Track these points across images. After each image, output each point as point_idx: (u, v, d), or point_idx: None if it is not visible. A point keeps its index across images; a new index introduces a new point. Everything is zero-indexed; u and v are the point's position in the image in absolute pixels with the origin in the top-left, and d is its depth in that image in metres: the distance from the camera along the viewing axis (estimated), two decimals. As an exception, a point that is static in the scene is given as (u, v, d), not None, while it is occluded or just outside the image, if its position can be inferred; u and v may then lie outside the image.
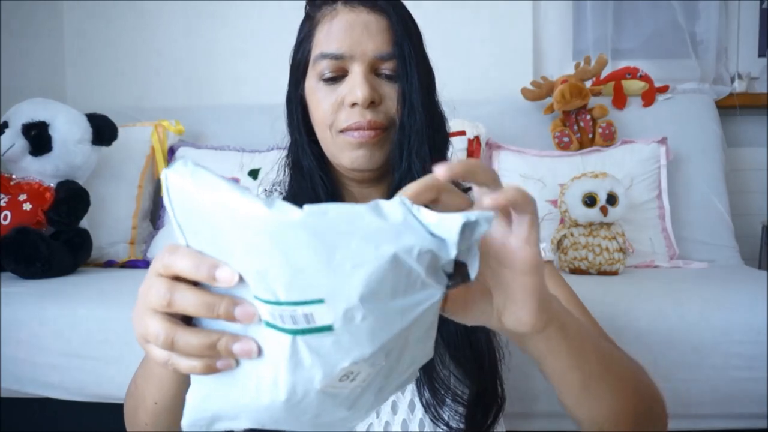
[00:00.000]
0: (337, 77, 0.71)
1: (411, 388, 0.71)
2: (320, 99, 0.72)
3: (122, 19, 2.21)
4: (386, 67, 0.70)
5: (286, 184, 0.79)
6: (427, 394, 0.69)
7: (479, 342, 0.69)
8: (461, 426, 0.68)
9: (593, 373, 0.53)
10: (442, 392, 0.69)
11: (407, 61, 0.70)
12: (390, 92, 0.71)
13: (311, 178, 0.75)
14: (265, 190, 0.83)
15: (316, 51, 0.71)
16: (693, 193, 1.77)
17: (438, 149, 0.74)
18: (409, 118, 0.70)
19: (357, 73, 0.69)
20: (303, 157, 0.76)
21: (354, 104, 0.69)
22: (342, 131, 0.71)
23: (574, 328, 0.51)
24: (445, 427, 0.68)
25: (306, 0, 0.75)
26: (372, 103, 0.70)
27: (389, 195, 0.75)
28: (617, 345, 0.69)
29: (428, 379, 0.69)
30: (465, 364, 0.69)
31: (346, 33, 0.69)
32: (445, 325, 0.69)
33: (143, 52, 2.22)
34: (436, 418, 0.68)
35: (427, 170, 0.71)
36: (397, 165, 0.72)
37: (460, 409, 0.70)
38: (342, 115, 0.71)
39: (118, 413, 0.76)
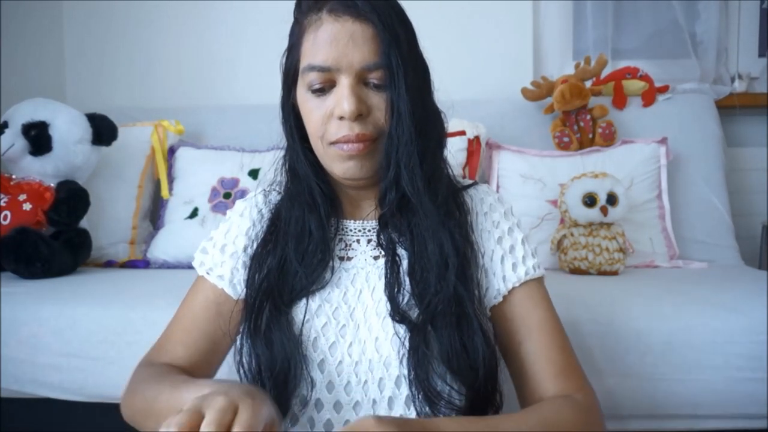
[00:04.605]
0: (325, 89, 0.70)
1: (401, 403, 0.70)
2: (310, 110, 0.72)
3: (122, 19, 2.21)
4: (374, 77, 0.69)
5: (283, 184, 0.80)
6: (419, 407, 0.69)
7: (476, 350, 0.69)
8: None
9: None
10: (436, 402, 0.68)
11: (395, 70, 0.68)
12: (378, 102, 0.70)
13: (307, 183, 0.76)
14: (264, 191, 0.83)
15: (303, 61, 0.71)
16: (693, 193, 1.77)
17: (432, 154, 0.73)
18: (398, 128, 0.69)
19: (344, 85, 0.69)
20: (298, 162, 0.76)
21: (342, 117, 0.69)
22: (332, 143, 0.71)
23: None
24: None
25: (295, 4, 0.75)
26: (360, 116, 0.69)
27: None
28: (583, 382, 0.73)
29: (422, 390, 0.68)
30: (461, 372, 0.69)
31: (332, 44, 0.68)
32: (439, 333, 0.69)
33: (143, 52, 2.22)
34: None
35: (415, 179, 0.71)
36: (383, 175, 0.72)
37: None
38: (331, 127, 0.70)
39: (118, 413, 0.76)
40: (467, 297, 0.71)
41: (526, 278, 0.76)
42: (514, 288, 0.76)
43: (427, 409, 0.68)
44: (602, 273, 1.51)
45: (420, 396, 0.68)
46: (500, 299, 0.76)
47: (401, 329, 0.70)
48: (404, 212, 0.74)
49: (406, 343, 0.70)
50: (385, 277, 0.73)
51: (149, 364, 0.77)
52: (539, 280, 0.79)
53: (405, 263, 0.74)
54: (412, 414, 0.70)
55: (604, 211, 1.49)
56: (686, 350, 1.09)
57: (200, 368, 0.78)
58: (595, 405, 0.72)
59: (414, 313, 0.71)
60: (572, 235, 1.55)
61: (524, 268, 0.77)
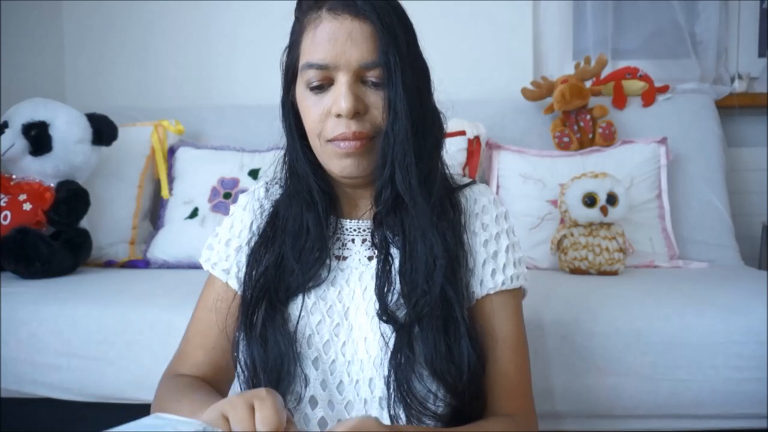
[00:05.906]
0: (324, 86, 0.71)
1: (392, 404, 0.70)
2: (308, 108, 0.72)
3: (122, 19, 2.21)
4: (372, 75, 0.70)
5: (283, 180, 0.80)
6: (394, 409, 0.69)
7: (461, 353, 0.69)
8: None
9: None
10: (410, 405, 0.68)
11: (393, 68, 0.68)
12: (376, 101, 0.70)
13: (306, 181, 0.76)
14: (266, 183, 0.83)
15: (302, 59, 0.71)
16: (693, 193, 1.77)
17: (428, 154, 0.73)
18: (394, 127, 0.69)
19: (342, 83, 0.69)
20: (297, 161, 0.77)
21: (339, 115, 0.69)
22: (329, 141, 0.71)
23: None
24: None
25: (296, 2, 0.75)
26: (357, 113, 0.69)
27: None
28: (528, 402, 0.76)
29: (398, 392, 0.68)
30: (443, 376, 0.69)
31: (330, 42, 0.69)
32: (425, 334, 0.69)
33: (143, 52, 2.22)
34: None
35: (409, 178, 0.70)
36: (378, 174, 0.72)
37: (439, 425, 0.70)
38: (329, 125, 0.71)
39: (119, 413, 0.76)
40: (456, 300, 0.71)
41: (502, 287, 0.76)
42: (488, 294, 0.75)
43: (401, 411, 0.68)
44: (602, 273, 1.51)
45: (396, 397, 0.68)
46: (474, 302, 0.75)
47: (388, 329, 0.71)
48: (398, 211, 0.74)
49: (390, 344, 0.70)
50: (376, 276, 0.73)
51: (173, 377, 0.78)
52: (516, 293, 0.78)
53: (397, 263, 0.74)
54: (402, 415, 0.69)
55: (604, 211, 1.49)
56: (686, 350, 1.09)
57: (223, 369, 0.79)
58: (535, 428, 0.75)
59: (402, 314, 0.71)
60: (572, 235, 1.55)
61: (503, 276, 0.76)
